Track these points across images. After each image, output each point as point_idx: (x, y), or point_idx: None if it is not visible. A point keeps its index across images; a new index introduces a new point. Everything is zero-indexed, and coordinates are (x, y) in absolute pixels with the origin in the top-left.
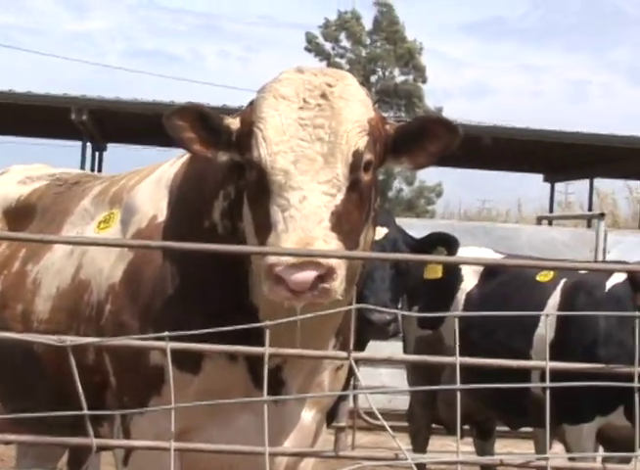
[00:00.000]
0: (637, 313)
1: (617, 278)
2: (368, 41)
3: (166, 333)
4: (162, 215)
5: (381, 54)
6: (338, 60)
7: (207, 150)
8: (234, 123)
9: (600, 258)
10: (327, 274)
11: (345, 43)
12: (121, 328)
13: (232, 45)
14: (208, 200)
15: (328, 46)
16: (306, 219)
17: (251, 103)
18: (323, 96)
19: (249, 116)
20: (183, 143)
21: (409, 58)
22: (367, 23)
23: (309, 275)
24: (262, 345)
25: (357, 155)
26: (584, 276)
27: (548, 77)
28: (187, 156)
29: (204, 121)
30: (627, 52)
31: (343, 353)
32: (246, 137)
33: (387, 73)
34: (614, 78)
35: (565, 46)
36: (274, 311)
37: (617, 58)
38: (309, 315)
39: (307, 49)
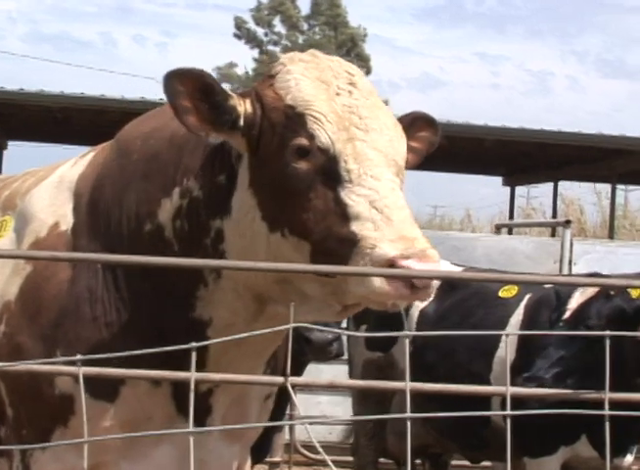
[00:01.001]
0: (607, 333)
1: (586, 293)
2: (305, 27)
3: (79, 357)
4: (67, 223)
5: (320, 41)
6: (271, 47)
7: (201, 126)
8: (242, 105)
9: (566, 270)
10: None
11: (280, 29)
12: (18, 352)
13: (148, 29)
14: (153, 199)
15: (260, 32)
16: (400, 212)
17: (268, 85)
18: (352, 84)
19: (275, 100)
20: (177, 111)
21: (351, 45)
22: (304, 6)
23: (436, 268)
24: (196, 369)
25: (404, 150)
26: (550, 291)
27: (507, 68)
28: (93, 154)
29: (206, 94)
30: (597, 40)
31: (280, 378)
32: (280, 123)
33: None
34: (581, 70)
35: (526, 33)
36: (232, 325)
37: (585, 47)
38: (248, 334)
39: (236, 35)
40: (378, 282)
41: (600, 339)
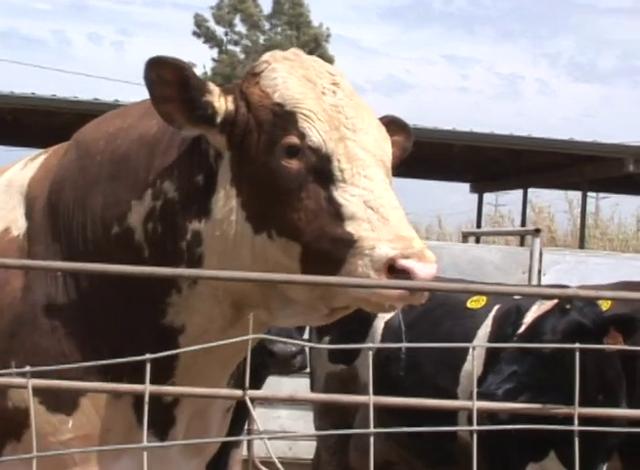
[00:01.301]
0: (577, 345)
1: (543, 307)
2: (267, 26)
3: (27, 368)
4: (19, 228)
5: (281, 41)
6: (232, 47)
7: (175, 117)
8: (220, 102)
9: (535, 280)
10: None
11: (241, 28)
12: None
13: (104, 27)
14: (122, 202)
15: (220, 31)
16: (396, 212)
17: (253, 83)
18: (335, 84)
19: (261, 98)
20: (154, 98)
21: (314, 46)
22: (266, 5)
23: (434, 268)
24: (166, 378)
25: (390, 151)
26: (519, 302)
27: (476, 71)
28: (45, 157)
29: (183, 86)
30: (570, 42)
31: (238, 392)
32: (268, 121)
33: None
34: (552, 73)
35: (496, 34)
36: (205, 332)
37: (556, 49)
38: (207, 345)
39: (196, 34)
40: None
41: (555, 355)
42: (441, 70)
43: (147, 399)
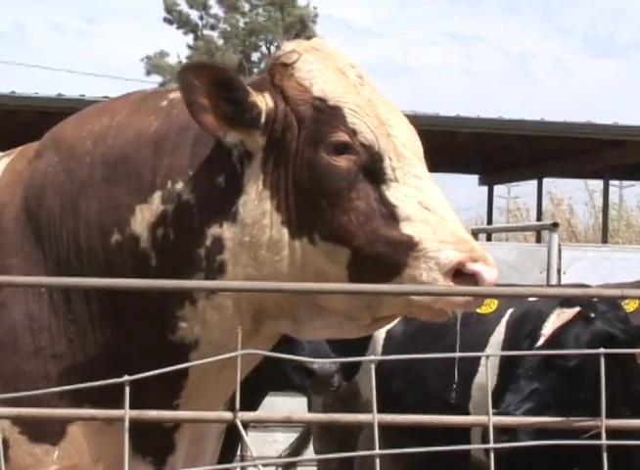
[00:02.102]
0: (601, 350)
1: (563, 316)
2: (247, 7)
3: None
4: None
5: (264, 24)
6: (208, 32)
7: (219, 126)
8: (262, 101)
9: (554, 280)
10: None
11: (217, 10)
12: None
13: (66, 15)
14: (122, 206)
15: (194, 15)
16: (451, 213)
17: (288, 76)
18: (360, 77)
19: (300, 92)
20: (191, 109)
21: (301, 28)
22: None
23: (497, 272)
24: (173, 398)
25: (421, 147)
26: (535, 305)
27: (481, 50)
28: (8, 161)
29: (224, 89)
30: (585, 15)
31: (228, 414)
32: (310, 117)
33: (272, 49)
34: (566, 49)
35: (502, 8)
36: (223, 346)
37: (570, 23)
38: (190, 364)
39: (167, 20)
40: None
41: (580, 370)
42: (443, 51)
43: (127, 425)
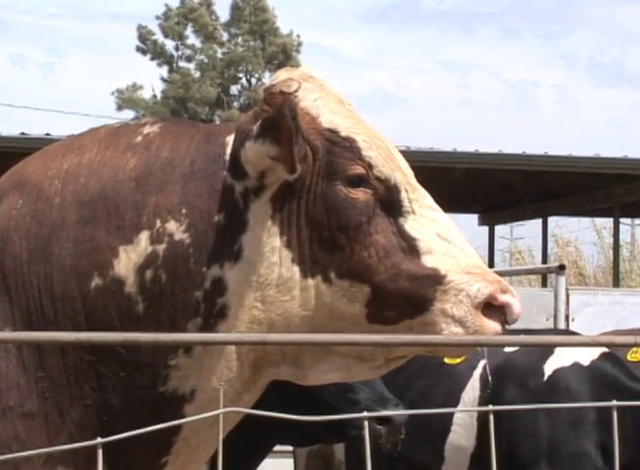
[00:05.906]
0: (614, 403)
1: (561, 360)
2: (225, 37)
3: None
4: None
5: (243, 54)
6: (184, 64)
7: (296, 164)
8: None
9: (561, 327)
10: None
11: (194, 40)
12: None
13: (29, 47)
14: (103, 248)
15: (169, 45)
16: (467, 243)
17: (278, 107)
18: (350, 105)
19: (309, 122)
20: (291, 154)
21: (283, 58)
22: (222, 12)
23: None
24: (162, 455)
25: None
26: (510, 357)
27: (479, 79)
28: None
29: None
30: (589, 40)
31: None
32: (322, 149)
33: (253, 81)
34: (571, 77)
35: (500, 34)
36: (215, 399)
37: (573, 49)
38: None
39: (140, 50)
40: (479, 319)
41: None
42: (437, 80)
43: None
